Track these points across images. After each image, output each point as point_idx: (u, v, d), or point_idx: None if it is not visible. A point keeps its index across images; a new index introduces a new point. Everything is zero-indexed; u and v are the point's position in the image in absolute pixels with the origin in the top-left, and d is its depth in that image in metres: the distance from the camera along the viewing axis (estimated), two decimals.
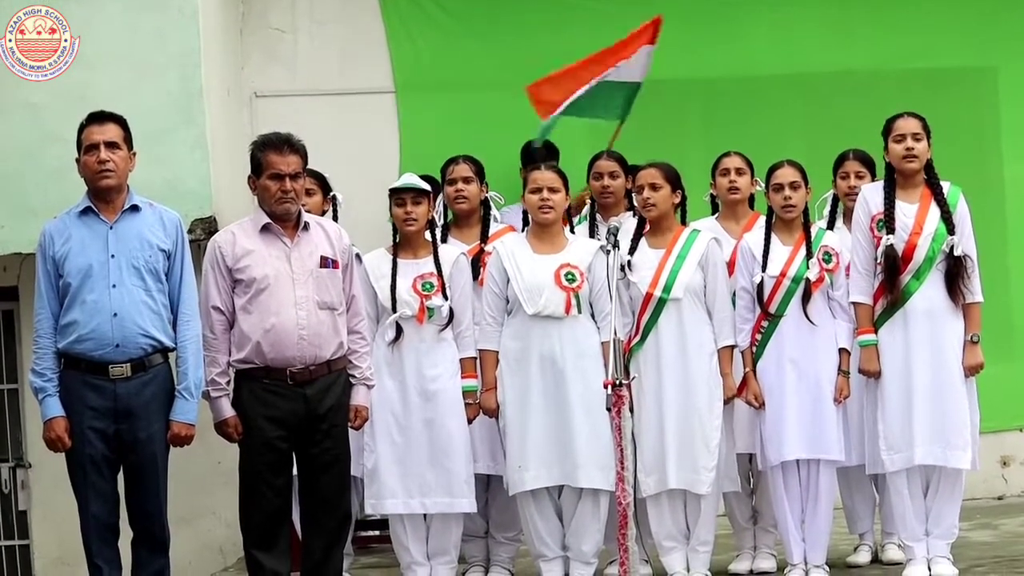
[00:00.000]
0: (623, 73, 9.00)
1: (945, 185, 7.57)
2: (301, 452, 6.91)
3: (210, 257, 6.94)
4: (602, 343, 7.40)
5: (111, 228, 6.73)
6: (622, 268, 7.44)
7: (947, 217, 7.49)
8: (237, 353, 6.85)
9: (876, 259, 7.52)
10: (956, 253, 7.45)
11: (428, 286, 7.58)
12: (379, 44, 10.11)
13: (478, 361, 7.61)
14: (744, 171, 8.07)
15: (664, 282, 7.51)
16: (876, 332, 7.51)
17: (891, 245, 7.46)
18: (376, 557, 8.81)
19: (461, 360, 7.60)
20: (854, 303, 7.56)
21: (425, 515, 7.62)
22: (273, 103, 9.97)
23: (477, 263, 7.81)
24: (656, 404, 7.49)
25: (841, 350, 7.56)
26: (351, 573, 7.99)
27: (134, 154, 6.85)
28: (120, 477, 6.79)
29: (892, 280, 7.47)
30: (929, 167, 7.58)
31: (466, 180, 8.05)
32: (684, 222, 7.81)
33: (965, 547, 8.05)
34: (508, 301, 7.56)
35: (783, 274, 7.57)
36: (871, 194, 7.62)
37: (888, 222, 7.49)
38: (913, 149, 7.50)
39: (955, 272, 7.46)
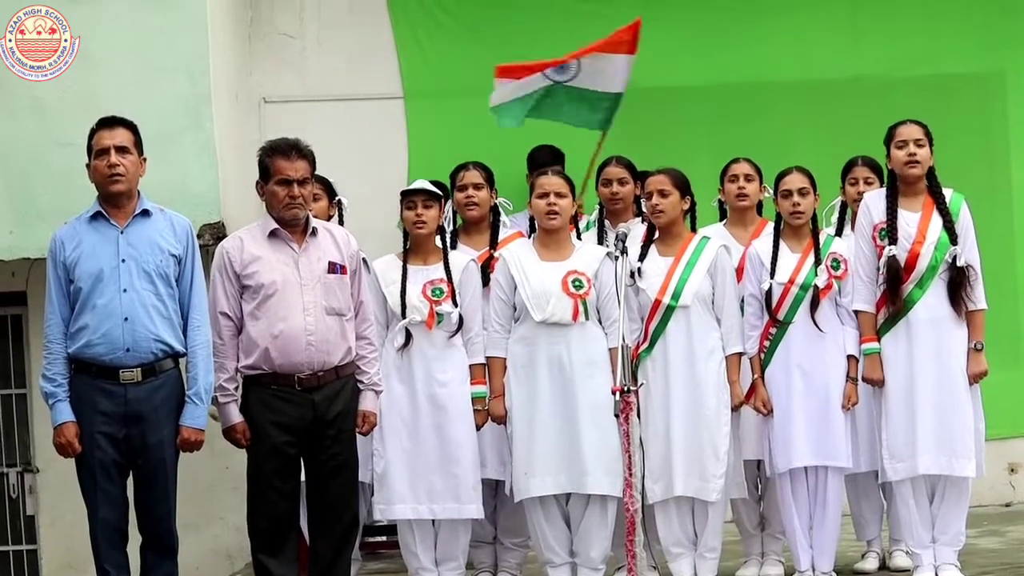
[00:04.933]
0: (600, 82, 8.98)
1: (947, 193, 7.56)
2: (309, 458, 6.92)
3: (218, 263, 6.93)
4: (610, 349, 7.40)
5: (122, 233, 6.73)
6: (631, 275, 7.44)
7: (949, 226, 7.49)
8: (245, 359, 6.85)
9: (878, 268, 7.52)
10: (959, 263, 7.44)
11: (438, 292, 7.58)
12: (388, 50, 10.10)
13: (487, 367, 7.62)
14: (753, 177, 8.07)
15: (673, 289, 7.51)
16: (879, 340, 7.52)
17: (893, 256, 7.46)
18: (384, 563, 8.81)
19: (470, 366, 7.60)
20: (857, 311, 7.55)
21: (433, 521, 7.62)
22: (281, 108, 9.97)
23: (487, 269, 7.81)
24: (664, 411, 7.49)
25: (849, 357, 7.55)
26: None
27: (144, 159, 6.86)
28: (129, 482, 6.80)
29: (895, 289, 7.47)
30: (931, 174, 7.57)
31: (477, 186, 8.04)
32: (694, 228, 7.80)
33: (973, 554, 8.05)
34: (515, 308, 7.57)
35: (791, 281, 7.56)
36: (873, 202, 7.61)
37: (891, 232, 7.48)
38: (915, 155, 7.50)
39: (958, 281, 7.45)
